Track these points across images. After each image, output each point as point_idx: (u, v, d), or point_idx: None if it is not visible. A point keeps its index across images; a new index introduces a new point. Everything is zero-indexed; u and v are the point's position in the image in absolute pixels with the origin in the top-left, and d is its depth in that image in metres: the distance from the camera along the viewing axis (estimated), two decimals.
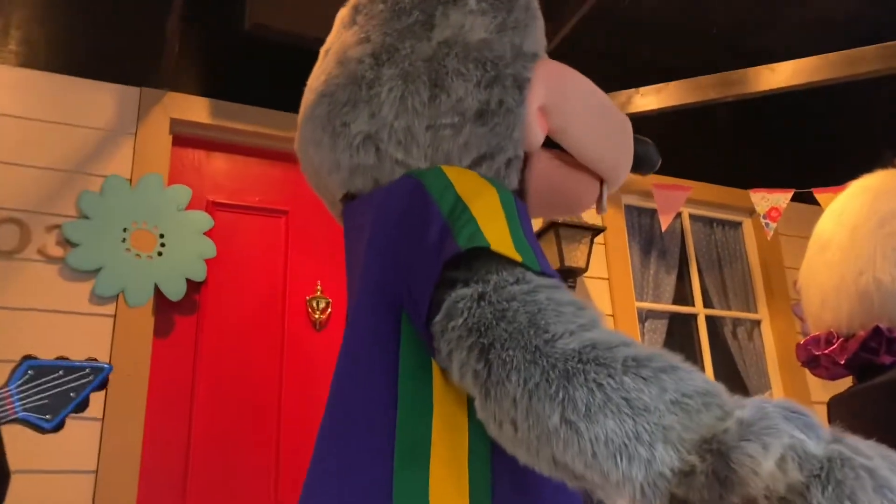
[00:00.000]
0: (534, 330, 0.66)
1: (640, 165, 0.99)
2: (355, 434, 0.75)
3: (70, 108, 2.40)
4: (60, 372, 1.32)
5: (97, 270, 2.26)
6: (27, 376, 1.30)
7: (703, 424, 0.59)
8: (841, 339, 1.37)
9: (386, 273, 0.79)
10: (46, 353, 1.64)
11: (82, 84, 2.44)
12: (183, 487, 2.27)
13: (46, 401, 1.30)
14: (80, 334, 2.20)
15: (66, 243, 2.25)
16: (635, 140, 0.99)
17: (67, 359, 1.34)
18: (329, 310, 2.60)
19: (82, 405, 1.33)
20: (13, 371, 1.31)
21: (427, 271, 0.74)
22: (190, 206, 2.47)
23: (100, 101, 2.45)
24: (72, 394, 1.31)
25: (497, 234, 0.73)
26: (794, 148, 3.32)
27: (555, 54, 0.96)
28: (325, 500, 0.74)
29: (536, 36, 0.98)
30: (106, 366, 1.35)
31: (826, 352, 1.40)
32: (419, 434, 0.72)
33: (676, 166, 3.26)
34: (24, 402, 1.28)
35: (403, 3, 0.97)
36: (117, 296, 2.27)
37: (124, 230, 2.33)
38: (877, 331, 1.29)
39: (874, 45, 2.48)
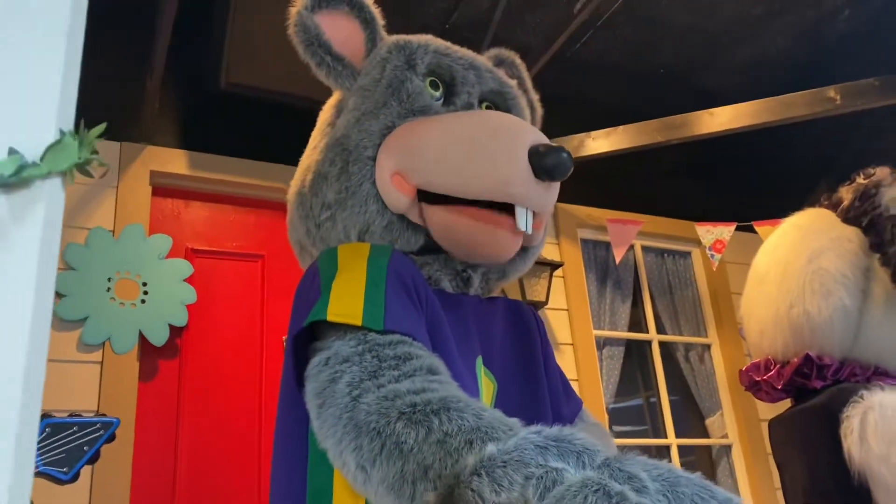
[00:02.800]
0: (349, 389, 0.73)
1: (540, 172, 0.94)
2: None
3: None
4: (75, 428, 1.44)
5: (84, 319, 2.34)
6: (45, 433, 1.42)
7: (461, 461, 0.62)
8: (778, 366, 1.51)
9: (287, 358, 0.88)
10: None
11: None
12: None
13: (63, 455, 1.41)
14: (70, 381, 2.27)
15: (55, 294, 2.33)
16: (538, 150, 0.94)
17: (80, 415, 1.46)
18: None
19: (94, 457, 1.45)
20: None
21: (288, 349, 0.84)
22: (170, 255, 2.57)
23: None
24: (85, 447, 1.42)
25: (344, 304, 0.80)
26: (736, 183, 3.54)
27: None
28: None
29: (397, 108, 1.01)
30: (115, 420, 1.48)
31: (765, 378, 1.54)
32: None
33: (628, 202, 3.46)
34: (44, 457, 1.40)
35: (330, 119, 1.10)
36: (104, 343, 2.36)
37: (109, 280, 2.42)
38: (808, 358, 1.43)
39: (802, 92, 2.72)
